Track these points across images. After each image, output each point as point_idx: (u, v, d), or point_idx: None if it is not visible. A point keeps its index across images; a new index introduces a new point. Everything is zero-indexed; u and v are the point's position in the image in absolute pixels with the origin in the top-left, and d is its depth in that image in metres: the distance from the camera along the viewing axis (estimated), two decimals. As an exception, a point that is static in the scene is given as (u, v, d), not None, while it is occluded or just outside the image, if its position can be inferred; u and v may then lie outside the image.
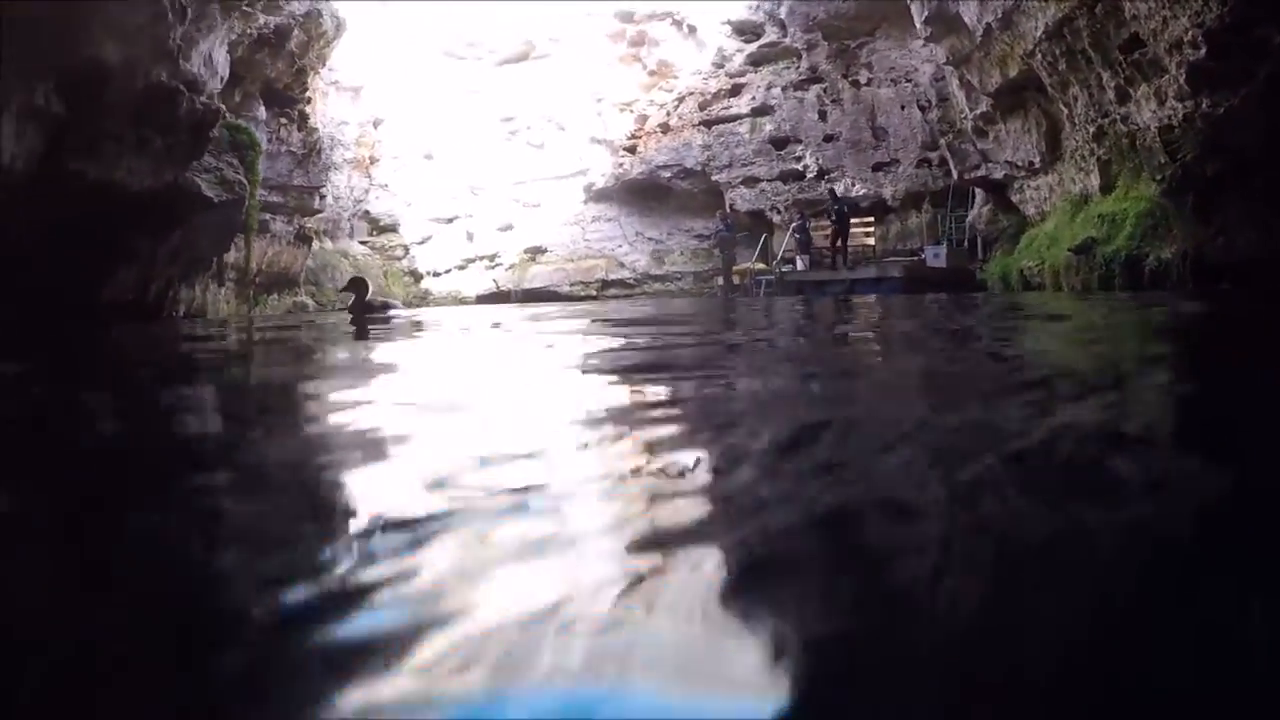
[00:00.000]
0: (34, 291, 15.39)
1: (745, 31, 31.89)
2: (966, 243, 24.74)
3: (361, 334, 6.56)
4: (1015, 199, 21.88)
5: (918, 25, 20.64)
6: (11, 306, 14.76)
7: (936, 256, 22.77)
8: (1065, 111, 17.44)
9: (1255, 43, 11.69)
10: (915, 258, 24.26)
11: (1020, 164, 20.49)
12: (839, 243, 26.14)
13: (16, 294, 15.04)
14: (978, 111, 20.85)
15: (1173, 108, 13.28)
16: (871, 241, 28.24)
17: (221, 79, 23.01)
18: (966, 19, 18.21)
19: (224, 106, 19.09)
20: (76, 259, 16.19)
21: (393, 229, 38.91)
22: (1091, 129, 16.48)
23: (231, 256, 26.52)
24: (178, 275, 20.07)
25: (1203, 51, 12.20)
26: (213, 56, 21.86)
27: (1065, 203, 18.54)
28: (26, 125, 14.37)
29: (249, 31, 25.62)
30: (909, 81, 27.60)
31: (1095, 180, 17.06)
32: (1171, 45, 12.74)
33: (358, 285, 9.94)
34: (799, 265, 26.63)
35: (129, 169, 16.69)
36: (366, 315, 9.71)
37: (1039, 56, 16.64)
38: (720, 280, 28.43)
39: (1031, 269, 18.37)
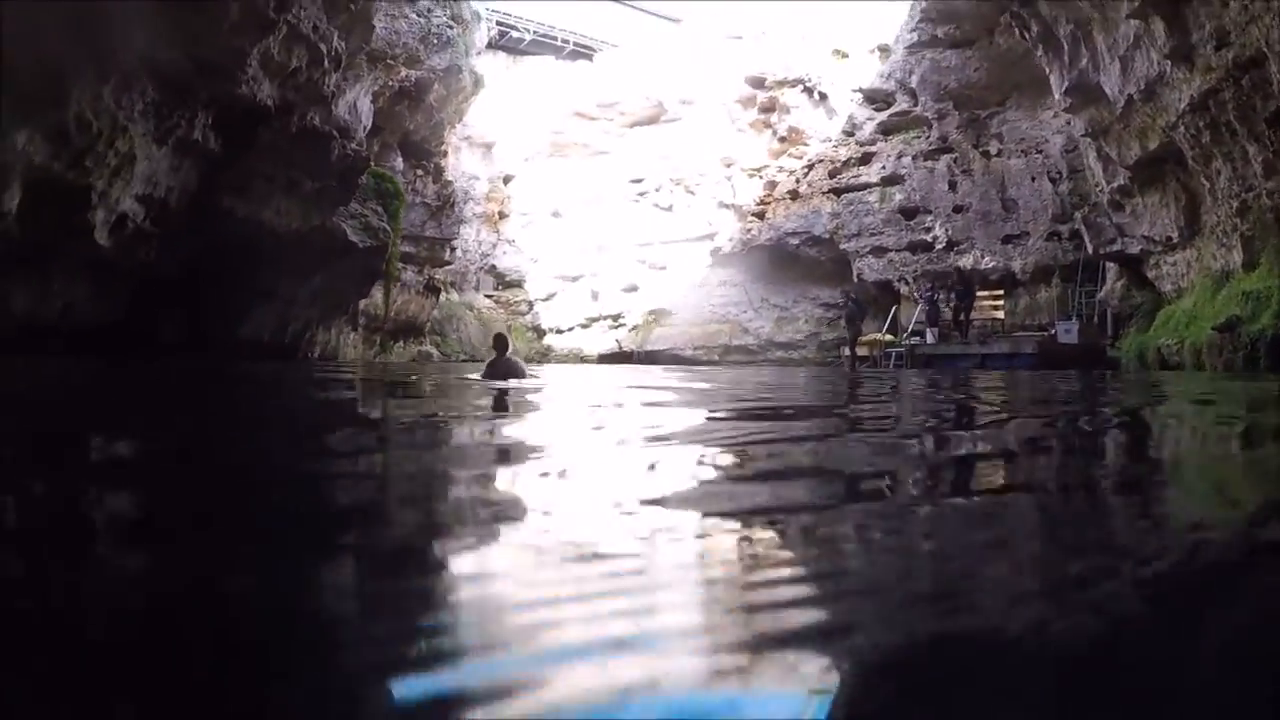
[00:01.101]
0: (177, 325, 16.00)
1: (876, 100, 31.90)
2: (1097, 319, 24.15)
3: (500, 405, 6.45)
4: (1151, 274, 21.34)
5: (1056, 96, 20.39)
6: (155, 339, 15.45)
7: (1068, 332, 22.25)
8: (1207, 185, 17.03)
9: None
10: (1046, 333, 23.71)
11: (1157, 239, 20.02)
12: (961, 316, 25.78)
13: (161, 327, 15.67)
14: (1115, 184, 20.48)
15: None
16: (1000, 315, 27.74)
17: (365, 128, 24.07)
18: (1108, 90, 17.96)
19: (367, 153, 19.67)
20: (219, 296, 16.63)
21: (518, 284, 39.69)
22: (1235, 203, 16.04)
23: (362, 303, 27.54)
24: (316, 318, 20.65)
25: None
26: (358, 105, 22.84)
27: (1205, 279, 18.02)
28: (183, 159, 15.03)
29: (391, 84, 26.67)
30: (1039, 153, 27.26)
31: (1238, 256, 16.57)
32: (1323, 117, 12.41)
33: (500, 343, 10.12)
34: (928, 338, 26.28)
35: (278, 209, 17.28)
36: (501, 375, 9.84)
37: (1181, 129, 16.31)
38: (846, 351, 28.18)
39: (1170, 347, 17.82)
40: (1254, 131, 14.50)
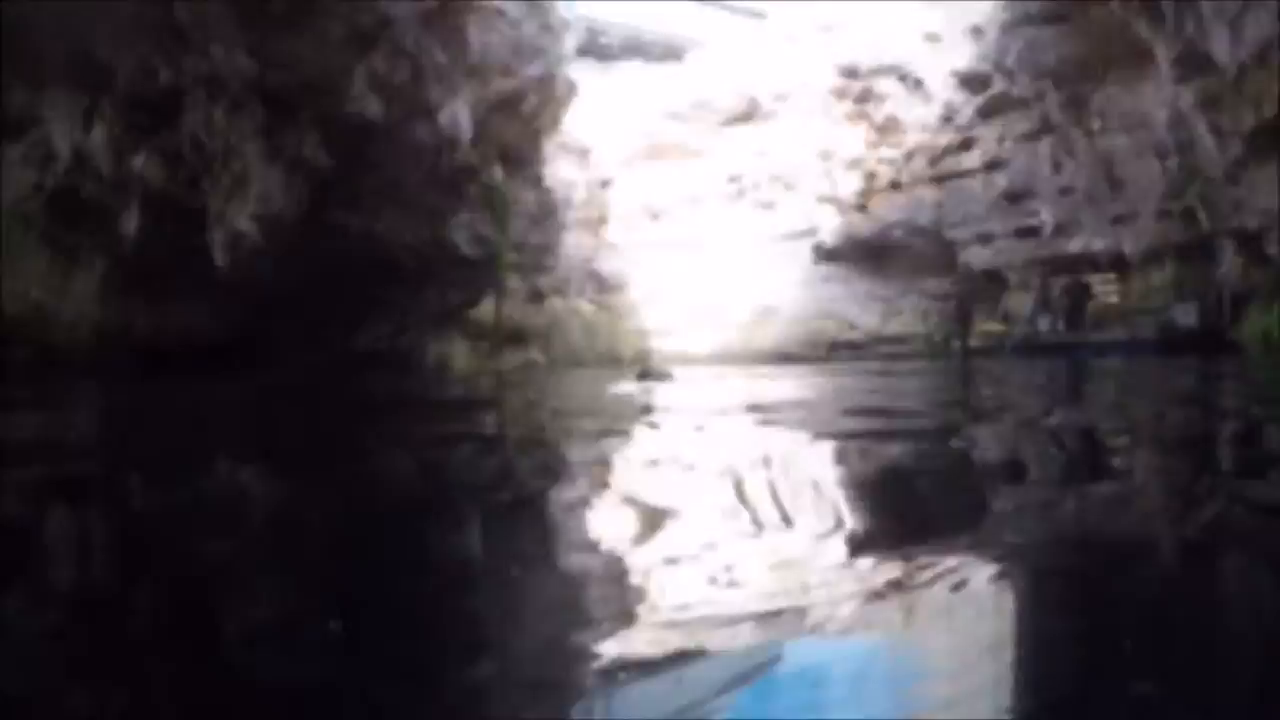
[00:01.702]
0: (295, 336, 16.39)
1: (972, 83, 31.34)
2: (1214, 300, 23.38)
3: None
4: (1272, 251, 20.55)
5: (1164, 67, 19.87)
6: (273, 354, 15.86)
7: (1186, 315, 21.64)
8: (1328, 153, 16.45)
9: None
10: (1163, 317, 23.06)
11: (1275, 212, 19.32)
12: (1072, 302, 25.39)
13: (280, 338, 16.09)
14: (1230, 156, 19.83)
15: None
16: (1115, 299, 27.07)
17: (467, 139, 24.58)
18: (1218, 57, 17.44)
19: (473, 164, 19.90)
20: (334, 309, 16.92)
21: (620, 288, 39.89)
22: (1364, 171, 15.46)
23: (470, 311, 28.11)
24: (430, 328, 20.92)
25: None
26: (458, 118, 23.38)
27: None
28: (294, 177, 15.37)
29: (486, 96, 27.14)
30: (1144, 128, 26.09)
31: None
32: None
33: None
34: (1042, 326, 25.88)
35: (390, 223, 17.58)
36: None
37: (1300, 92, 15.81)
38: (957, 343, 27.99)
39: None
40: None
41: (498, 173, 30.36)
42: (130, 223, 13.20)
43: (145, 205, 13.25)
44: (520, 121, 29.85)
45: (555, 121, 32.62)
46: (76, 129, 12.33)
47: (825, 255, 35.26)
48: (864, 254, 34.00)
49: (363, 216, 17.01)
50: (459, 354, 24.58)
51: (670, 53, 42.30)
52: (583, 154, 39.46)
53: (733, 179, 37.49)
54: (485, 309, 29.05)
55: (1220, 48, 17.24)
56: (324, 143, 15.42)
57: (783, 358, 32.97)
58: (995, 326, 27.60)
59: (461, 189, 18.61)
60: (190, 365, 14.36)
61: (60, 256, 12.97)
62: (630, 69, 41.41)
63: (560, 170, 37.04)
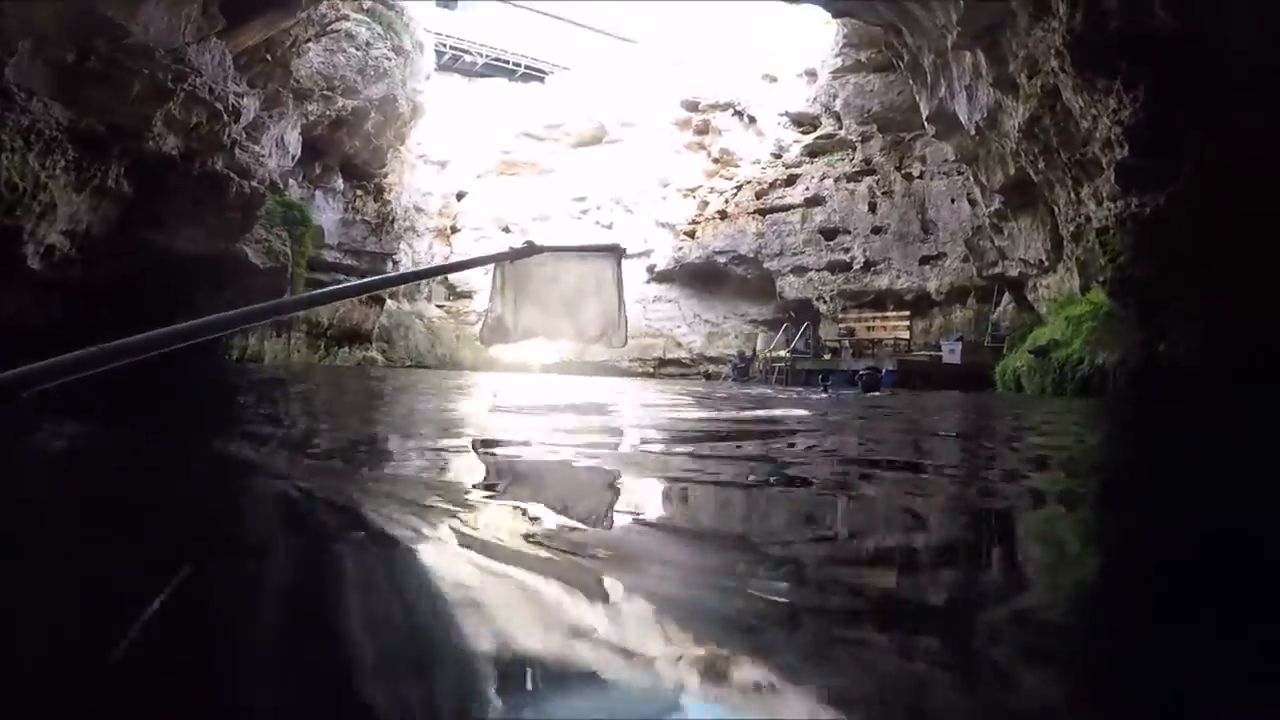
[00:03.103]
0: (109, 328, 17.66)
1: (802, 123, 32.89)
2: (989, 339, 25.00)
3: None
4: (1030, 297, 22.19)
5: (925, 123, 21.32)
6: (91, 335, 17.16)
7: (952, 352, 23.18)
8: (1056, 210, 17.89)
9: (1177, 140, 12.10)
10: (935, 353, 24.69)
11: (1032, 261, 20.87)
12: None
13: (95, 337, 17.35)
14: (992, 209, 21.35)
15: (1108, 208, 13.69)
16: (907, 334, 28.68)
17: (293, 157, 25.81)
18: (961, 118, 18.88)
19: (266, 189, 21.32)
20: (145, 306, 18.41)
21: (468, 295, 40.55)
22: (1071, 228, 16.87)
23: (303, 311, 28.86)
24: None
25: (1127, 150, 12.65)
26: (284, 139, 24.81)
27: (1053, 302, 18.91)
28: (102, 201, 17.32)
29: (329, 113, 28.05)
30: (960, 174, 27.77)
31: (1077, 280, 17.46)
32: (1104, 143, 13.21)
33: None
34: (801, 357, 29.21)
35: (187, 239, 19.12)
36: None
37: (1022, 155, 17.21)
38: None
39: (1020, 369, 18.69)
40: (1073, 158, 15.27)
41: (339, 183, 31.30)
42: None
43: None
44: (362, 138, 30.81)
45: (401, 138, 33.53)
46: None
47: (658, 277, 36.38)
48: (693, 278, 35.23)
49: (164, 234, 19.19)
50: (275, 349, 25.49)
51: (533, 74, 43.41)
52: (441, 165, 40.26)
53: (578, 198, 38.54)
54: (321, 309, 29.90)
55: (962, 110, 18.64)
56: (128, 174, 17.36)
57: (614, 371, 34.18)
58: (781, 353, 29.49)
59: (252, 211, 20.09)
60: (22, 344, 15.52)
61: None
62: (492, 87, 42.39)
63: (418, 180, 37.87)
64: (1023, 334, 22.27)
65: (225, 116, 18.40)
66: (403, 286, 37.22)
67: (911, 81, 21.00)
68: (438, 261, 39.90)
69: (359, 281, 5.48)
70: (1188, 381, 12.55)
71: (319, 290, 4.25)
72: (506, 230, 39.73)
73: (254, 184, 20.04)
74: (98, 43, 15.13)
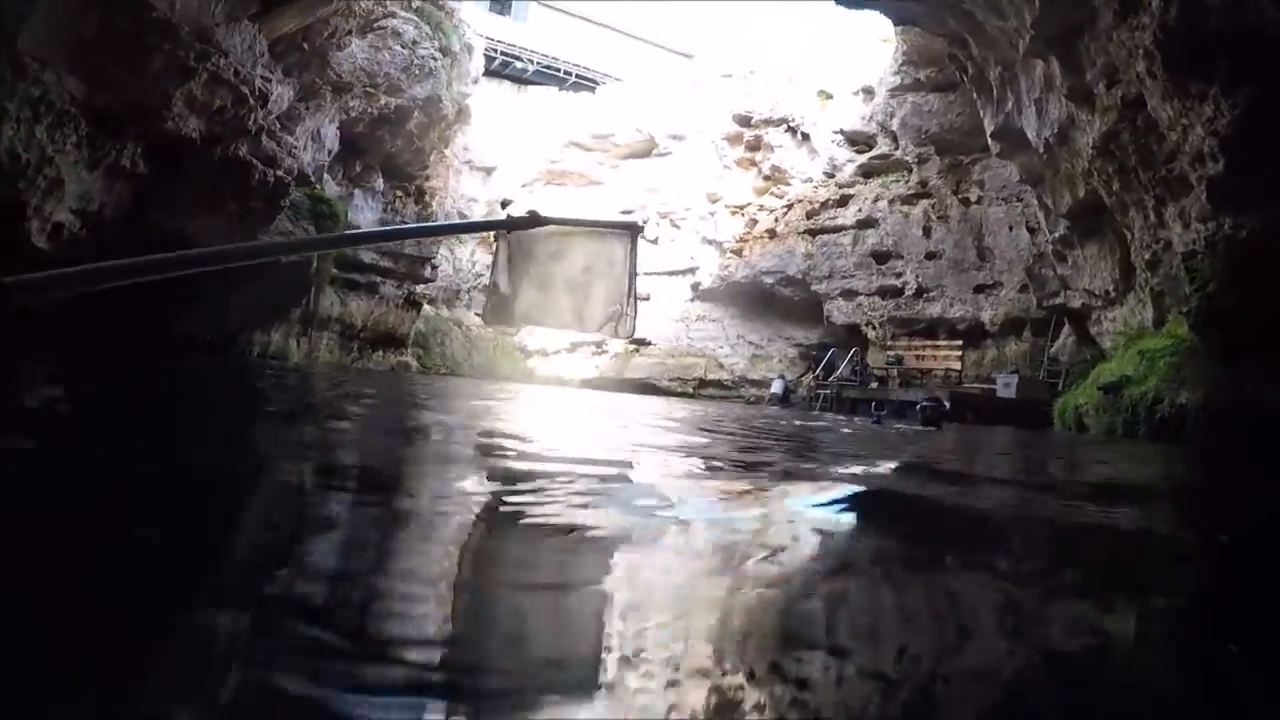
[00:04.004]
0: (117, 321, 17.37)
1: (857, 142, 31.78)
2: (1045, 374, 23.70)
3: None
4: (1094, 330, 20.84)
5: (989, 140, 20.13)
6: (100, 333, 16.77)
7: (1007, 386, 21.85)
8: (1129, 236, 16.63)
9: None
10: (989, 387, 23.38)
11: (1097, 292, 19.54)
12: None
13: (104, 323, 17.06)
14: (1056, 234, 20.09)
15: (1196, 230, 12.45)
16: (958, 366, 27.41)
17: (330, 151, 25.10)
18: (1029, 135, 17.69)
19: (292, 179, 20.56)
20: (155, 296, 18.00)
21: (509, 306, 39.83)
22: (1147, 255, 15.65)
23: (336, 310, 28.18)
24: (253, 320, 21.49)
25: (1222, 164, 11.41)
26: (321, 132, 24.14)
27: (1122, 337, 17.60)
28: (114, 181, 16.56)
29: (370, 110, 27.39)
30: (1019, 200, 26.53)
31: (1150, 313, 16.19)
32: (1194, 157, 11.98)
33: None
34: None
35: (203, 225, 18.39)
36: None
37: (1095, 175, 15.99)
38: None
39: (1083, 407, 17.36)
40: (1156, 176, 14.06)
41: (379, 183, 30.61)
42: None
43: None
44: (404, 138, 30.14)
45: (445, 140, 32.81)
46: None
47: (702, 295, 35.41)
48: (738, 298, 34.19)
49: (176, 219, 18.44)
50: (300, 347, 24.68)
51: (584, 83, 42.87)
52: (487, 172, 39.69)
53: (625, 211, 37.54)
54: (356, 310, 29.33)
55: (1030, 126, 17.44)
56: (145, 155, 16.66)
57: (652, 390, 33.32)
58: (827, 379, 28.79)
59: (276, 201, 19.35)
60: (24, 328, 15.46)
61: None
62: (543, 95, 41.87)
63: (463, 186, 37.32)
64: (1083, 369, 20.94)
65: (251, 101, 17.71)
66: (441, 293, 36.64)
67: (976, 96, 19.84)
68: (479, 269, 39.30)
69: (332, 235, 4.90)
70: (1272, 426, 11.20)
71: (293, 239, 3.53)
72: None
73: (279, 173, 19.27)
74: (120, 17, 14.55)
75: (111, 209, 16.61)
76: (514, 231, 3.60)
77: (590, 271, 3.66)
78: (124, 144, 16.09)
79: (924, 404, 16.32)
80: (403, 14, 28.02)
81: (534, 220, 3.57)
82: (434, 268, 33.37)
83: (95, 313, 16.92)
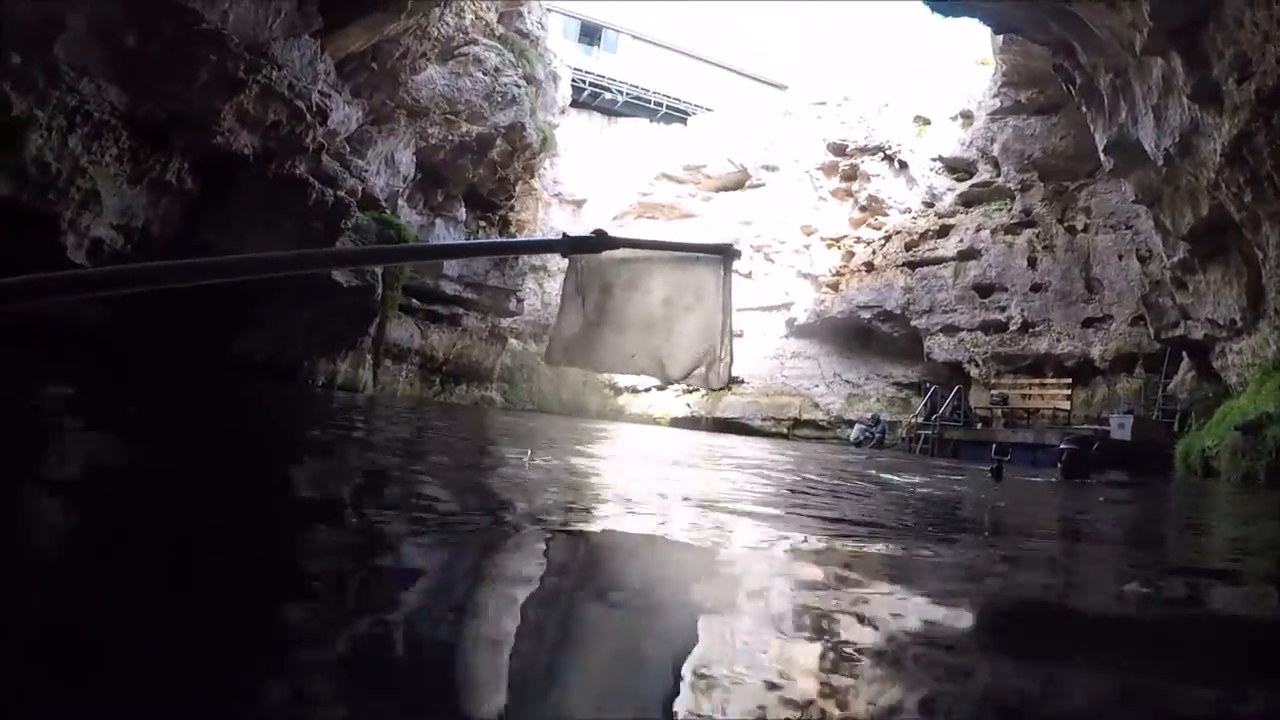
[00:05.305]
0: (169, 343, 16.84)
1: (957, 169, 30.21)
2: (1159, 414, 21.73)
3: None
4: (1216, 364, 18.86)
5: (1101, 156, 18.41)
6: (151, 353, 16.15)
7: (1121, 427, 19.88)
8: (1260, 255, 14.80)
9: None
10: (1101, 428, 21.41)
11: (1221, 322, 17.62)
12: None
13: (155, 344, 16.54)
14: (1175, 259, 18.25)
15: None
16: (1067, 405, 25.48)
17: (405, 178, 24.51)
18: (1146, 146, 15.96)
19: (354, 200, 19.93)
20: (208, 317, 17.23)
21: (598, 342, 39.04)
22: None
23: (417, 342, 27.59)
24: (317, 347, 20.86)
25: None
26: (395, 157, 23.64)
27: (1251, 370, 15.67)
28: (160, 197, 16.01)
29: (451, 138, 26.82)
30: (1129, 228, 24.67)
31: (1291, 341, 14.31)
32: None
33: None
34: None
35: (256, 247, 17.75)
36: None
37: (1223, 187, 14.24)
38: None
39: (1211, 450, 15.43)
40: (1295, 185, 12.35)
41: (461, 212, 30.00)
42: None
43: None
44: (487, 166, 29.51)
45: (530, 170, 32.19)
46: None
47: (797, 331, 34.03)
48: (834, 334, 32.75)
49: (228, 239, 17.79)
50: (368, 376, 23.94)
51: (674, 114, 42.23)
52: (577, 205, 39.11)
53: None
54: (437, 342, 28.73)
55: (1147, 136, 15.71)
56: (194, 170, 16.19)
57: (746, 430, 32.07)
58: (918, 420, 27.17)
59: (337, 222, 18.66)
60: (71, 341, 14.69)
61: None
62: (633, 127, 41.30)
63: (553, 219, 36.74)
64: (1206, 407, 18.98)
65: (309, 117, 17.04)
66: (530, 327, 35.87)
67: (1085, 109, 18.17)
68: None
69: (358, 249, 4.13)
70: None
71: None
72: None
73: (340, 194, 18.58)
74: (164, 25, 13.98)
75: (159, 225, 16.04)
76: (583, 258, 2.94)
77: (672, 305, 3.00)
78: (169, 158, 15.51)
79: (1065, 447, 13.24)
80: (485, 41, 27.52)
81: (600, 241, 2.87)
82: (520, 300, 32.75)
83: (145, 328, 16.50)
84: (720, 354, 3.04)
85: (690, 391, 36.27)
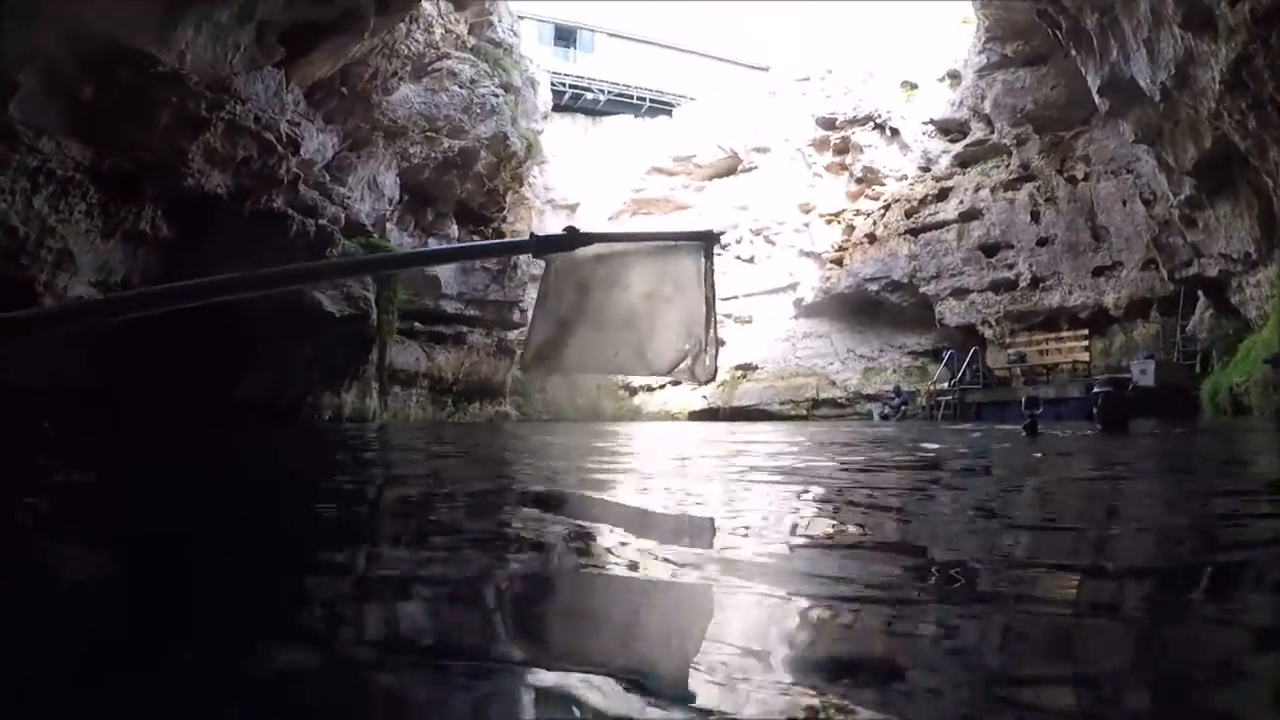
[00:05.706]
0: (167, 391, 16.55)
1: (950, 130, 29.71)
2: (1179, 355, 21.28)
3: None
4: (1234, 300, 18.35)
5: (1095, 99, 17.90)
6: (150, 404, 15.79)
7: (1144, 373, 19.44)
8: (1269, 183, 14.30)
9: None
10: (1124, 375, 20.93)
11: (1235, 256, 17.16)
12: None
13: (152, 393, 16.23)
14: (1181, 196, 17.78)
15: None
16: (1086, 357, 25.01)
17: (390, 200, 24.08)
18: (1142, 82, 15.45)
19: (337, 228, 19.68)
20: (205, 363, 16.84)
21: (609, 345, 38.71)
22: (1299, 202, 13.33)
23: (424, 365, 27.39)
24: (317, 381, 20.51)
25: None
26: (377, 180, 23.15)
27: (1277, 300, 15.17)
28: (136, 248, 15.70)
29: (434, 155, 26.42)
30: (1130, 172, 24.16)
31: (1311, 268, 13.81)
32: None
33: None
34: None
35: None
36: None
37: (1225, 116, 13.73)
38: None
39: (1239, 387, 14.93)
40: (1300, 106, 11.84)
41: (453, 229, 29.60)
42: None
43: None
44: (474, 180, 29.13)
45: (518, 179, 31.77)
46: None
47: (806, 311, 33.62)
48: (844, 310, 32.31)
49: None
50: (373, 407, 23.46)
51: (659, 107, 41.88)
52: (571, 209, 38.74)
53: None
54: (445, 362, 28.42)
55: (1142, 72, 15.21)
56: (169, 216, 15.96)
57: (764, 415, 31.67)
58: (939, 386, 26.61)
59: (321, 252, 18.41)
60: (65, 406, 14.44)
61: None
62: (618, 124, 40.97)
63: (547, 225, 36.31)
64: (1228, 345, 18.49)
65: (280, 149, 16.68)
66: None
67: (1075, 53, 17.68)
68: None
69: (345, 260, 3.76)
70: None
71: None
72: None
73: (321, 223, 18.22)
74: (120, 73, 13.62)
75: (139, 277, 15.70)
76: (557, 258, 2.91)
77: (654, 298, 2.96)
78: (142, 207, 15.19)
79: (1100, 391, 12.31)
80: (458, 54, 27.12)
81: (572, 238, 2.84)
82: (522, 311, 32.37)
83: (144, 386, 16.16)
84: (705, 345, 2.92)
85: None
